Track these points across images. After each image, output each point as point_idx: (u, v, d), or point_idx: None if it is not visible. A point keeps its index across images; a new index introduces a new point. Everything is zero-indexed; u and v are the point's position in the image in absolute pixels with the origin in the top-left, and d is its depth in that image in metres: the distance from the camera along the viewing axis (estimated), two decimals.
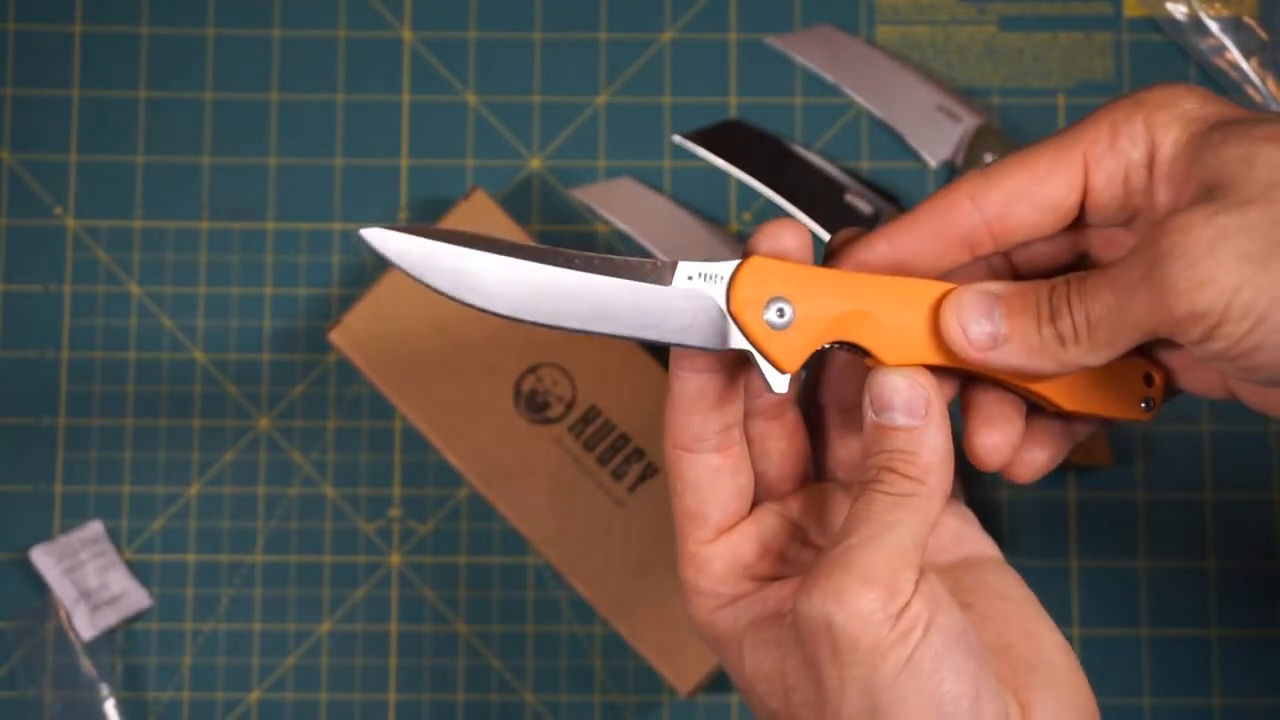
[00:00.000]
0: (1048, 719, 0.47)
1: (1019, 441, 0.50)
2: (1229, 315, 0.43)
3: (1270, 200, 0.43)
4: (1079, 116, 0.78)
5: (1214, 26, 0.77)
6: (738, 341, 0.45)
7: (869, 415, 0.47)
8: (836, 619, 0.44)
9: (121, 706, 0.74)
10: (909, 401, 0.46)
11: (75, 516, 0.75)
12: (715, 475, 0.49)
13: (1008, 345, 0.46)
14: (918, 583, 0.45)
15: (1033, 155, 0.48)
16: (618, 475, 0.72)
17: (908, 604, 0.45)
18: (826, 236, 0.76)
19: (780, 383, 0.46)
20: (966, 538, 0.51)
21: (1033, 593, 0.50)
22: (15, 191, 0.77)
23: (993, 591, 0.49)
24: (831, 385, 0.51)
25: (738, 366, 0.48)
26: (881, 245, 0.48)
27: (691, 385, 0.47)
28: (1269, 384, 0.46)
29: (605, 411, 0.73)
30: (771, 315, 0.45)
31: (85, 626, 0.73)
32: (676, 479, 0.49)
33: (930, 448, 0.46)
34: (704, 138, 0.77)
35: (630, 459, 0.72)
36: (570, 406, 0.73)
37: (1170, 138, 0.46)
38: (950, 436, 0.47)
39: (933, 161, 0.77)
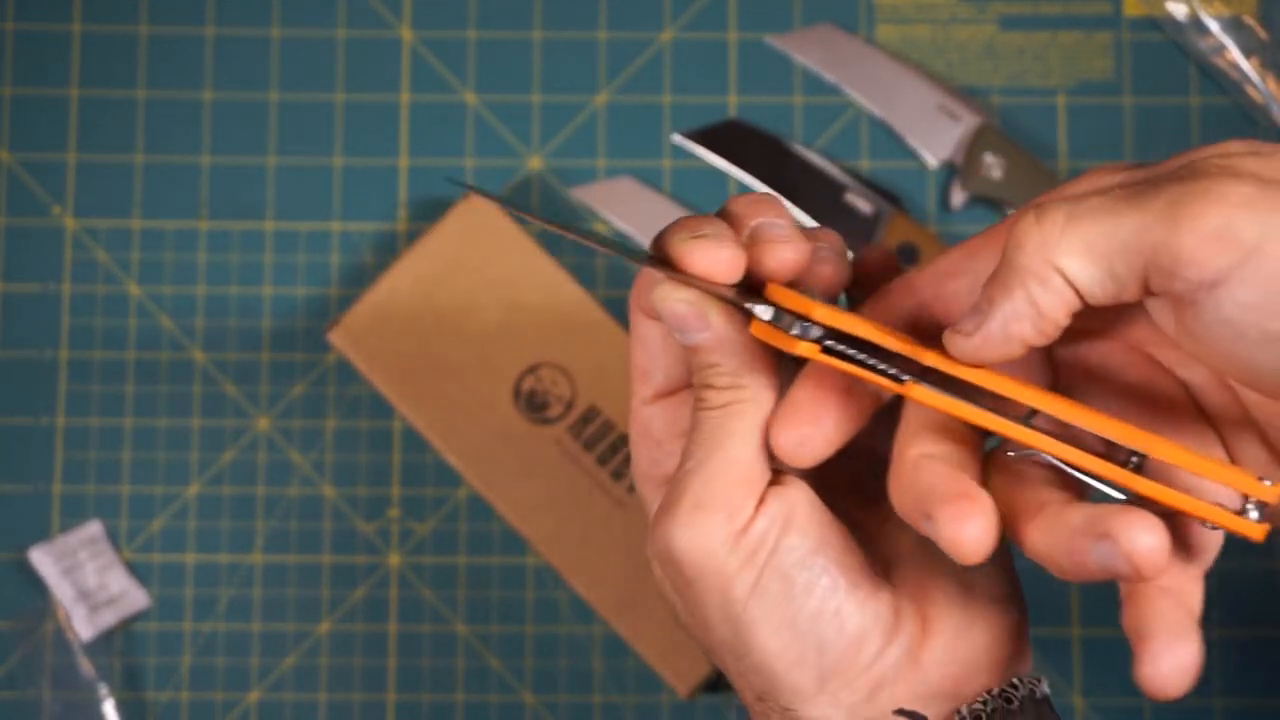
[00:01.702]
0: (948, 634, 0.46)
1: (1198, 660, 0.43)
2: (1262, 256, 0.38)
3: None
4: (1079, 116, 0.78)
5: (1214, 26, 0.77)
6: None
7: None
8: (678, 548, 0.44)
9: (120, 707, 0.74)
10: (686, 319, 0.44)
11: (74, 516, 0.75)
12: (665, 338, 0.48)
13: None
14: (763, 498, 0.44)
15: (972, 238, 0.46)
16: (617, 475, 0.72)
17: (749, 525, 0.44)
18: None
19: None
20: None
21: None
22: (14, 191, 0.77)
23: None
24: None
25: None
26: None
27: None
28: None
29: (605, 411, 0.73)
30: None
31: (84, 627, 0.73)
32: (633, 334, 0.48)
33: (731, 352, 0.45)
34: (704, 137, 0.77)
35: (630, 459, 0.72)
36: (570, 406, 0.73)
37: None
38: (747, 332, 0.44)
39: (933, 161, 0.77)
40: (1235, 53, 0.77)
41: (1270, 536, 0.44)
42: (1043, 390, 0.42)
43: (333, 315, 0.76)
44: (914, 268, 0.47)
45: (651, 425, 0.49)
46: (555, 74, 0.78)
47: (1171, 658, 0.42)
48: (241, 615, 0.75)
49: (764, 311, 0.43)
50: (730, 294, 0.44)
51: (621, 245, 0.43)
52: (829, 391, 0.44)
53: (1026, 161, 0.76)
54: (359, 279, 0.76)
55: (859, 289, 0.49)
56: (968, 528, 0.41)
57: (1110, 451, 0.42)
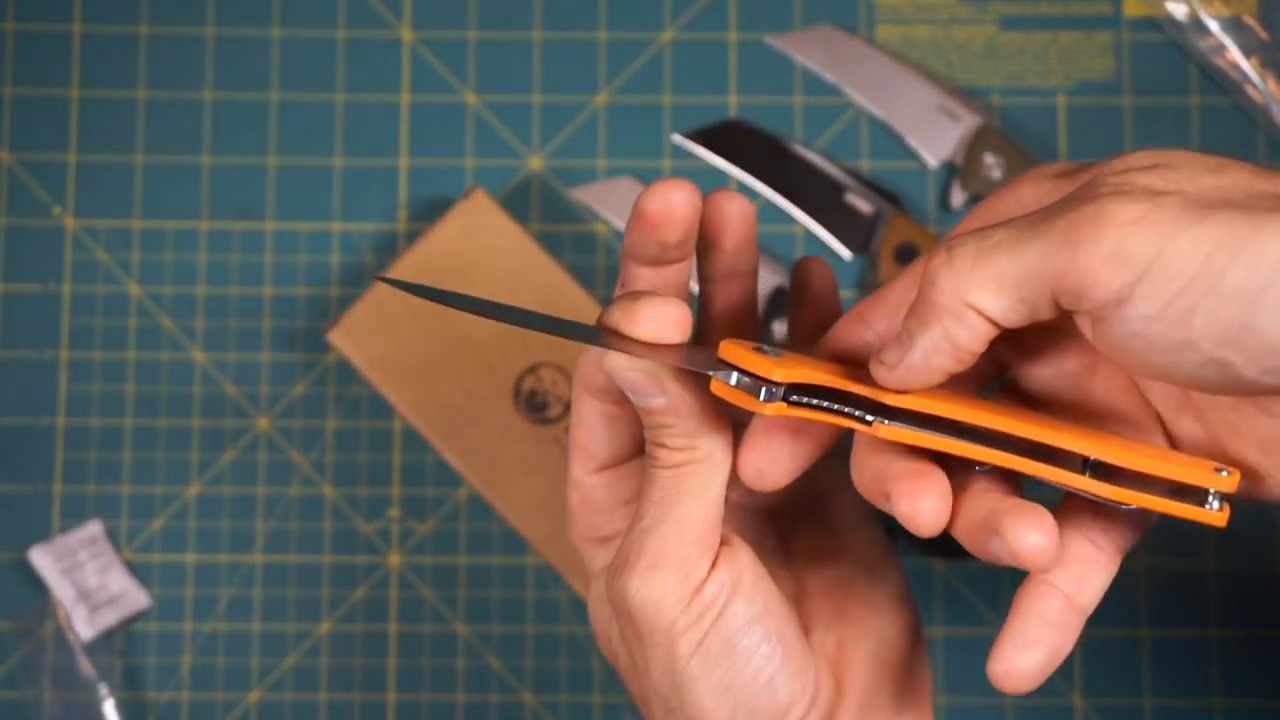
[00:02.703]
0: (858, 694, 0.49)
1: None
2: (1157, 269, 0.40)
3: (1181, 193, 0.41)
4: (1079, 116, 0.78)
5: (1214, 26, 0.77)
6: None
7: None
8: (633, 603, 0.46)
9: (121, 707, 0.74)
10: (641, 385, 0.46)
11: (74, 516, 0.75)
12: (610, 422, 0.50)
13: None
14: (716, 560, 0.46)
15: (916, 267, 0.48)
16: None
17: (701, 586, 0.46)
18: (827, 236, 0.76)
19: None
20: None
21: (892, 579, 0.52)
22: (14, 191, 0.77)
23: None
24: None
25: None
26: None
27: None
28: (1202, 378, 0.41)
29: None
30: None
31: (84, 627, 0.73)
32: (575, 414, 0.50)
33: (687, 414, 0.46)
34: (704, 137, 0.77)
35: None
36: (570, 406, 0.73)
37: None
38: (706, 395, 0.46)
39: (933, 161, 0.77)
40: (1235, 53, 0.77)
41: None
42: (994, 410, 0.45)
43: (333, 315, 0.76)
44: (866, 299, 0.49)
45: (593, 495, 0.51)
46: (555, 74, 0.78)
47: (1015, 661, 0.44)
48: (242, 615, 0.75)
49: (727, 377, 0.44)
50: (686, 363, 0.44)
51: (567, 325, 0.44)
52: (782, 428, 0.47)
53: (1026, 161, 0.76)
54: (359, 279, 0.76)
55: (795, 294, 0.52)
56: (923, 503, 0.43)
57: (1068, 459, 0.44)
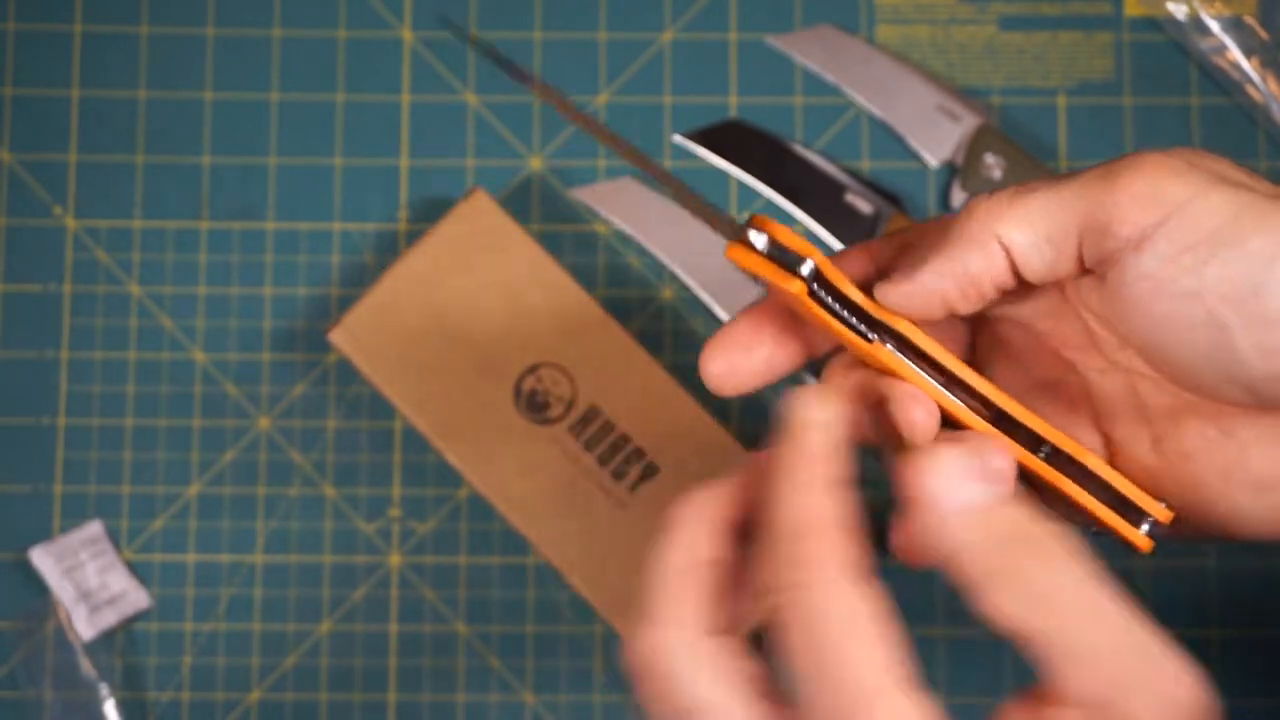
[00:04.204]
0: None
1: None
2: (1185, 213, 0.41)
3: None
4: (1079, 116, 0.78)
5: (1214, 26, 0.77)
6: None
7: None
8: None
9: (121, 707, 0.74)
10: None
11: (75, 516, 0.75)
12: None
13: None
14: None
15: (940, 219, 0.48)
16: (618, 475, 0.72)
17: None
18: (827, 236, 0.76)
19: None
20: None
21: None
22: (15, 191, 0.77)
23: None
24: None
25: None
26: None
27: None
28: (1192, 354, 0.43)
29: (605, 412, 0.73)
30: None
31: (85, 627, 0.73)
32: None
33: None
34: (704, 138, 0.77)
35: (630, 459, 0.72)
36: (570, 407, 0.73)
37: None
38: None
39: (933, 161, 0.77)
40: (1236, 53, 0.77)
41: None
42: (990, 382, 0.46)
43: (333, 315, 0.76)
44: (877, 237, 0.49)
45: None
46: (555, 74, 0.78)
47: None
48: (242, 615, 0.75)
49: (758, 240, 0.44)
50: (715, 223, 0.45)
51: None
52: (767, 327, 0.47)
53: (1026, 162, 0.76)
54: (359, 279, 0.76)
55: None
56: (917, 410, 0.45)
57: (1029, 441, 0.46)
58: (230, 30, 0.78)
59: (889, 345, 0.45)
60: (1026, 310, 0.48)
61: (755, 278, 0.45)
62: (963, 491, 0.42)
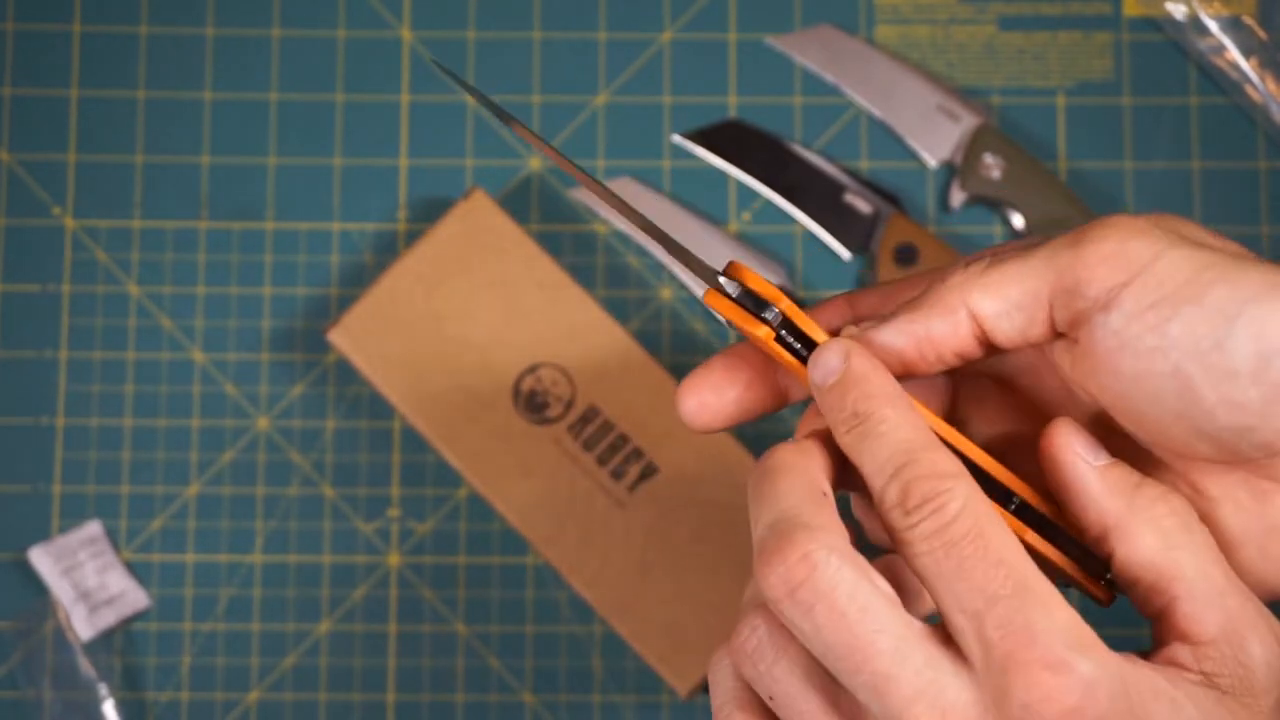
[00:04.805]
0: None
1: None
2: (1149, 272, 0.42)
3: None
4: (1079, 116, 0.78)
5: (1213, 26, 0.77)
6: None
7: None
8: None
9: (120, 707, 0.74)
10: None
11: (74, 516, 0.75)
12: None
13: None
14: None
15: (917, 277, 0.49)
16: (617, 475, 0.72)
17: None
18: (827, 237, 0.76)
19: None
20: None
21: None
22: (14, 191, 0.77)
23: None
24: None
25: None
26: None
27: None
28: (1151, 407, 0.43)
29: (605, 411, 0.73)
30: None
31: (84, 627, 0.73)
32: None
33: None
34: (704, 138, 0.77)
35: (630, 459, 0.72)
36: (569, 406, 0.73)
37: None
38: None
39: (932, 161, 0.77)
40: (1235, 53, 0.77)
41: None
42: (961, 434, 0.46)
43: (333, 315, 0.76)
44: (860, 288, 0.50)
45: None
46: (555, 74, 0.78)
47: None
48: (241, 615, 0.75)
49: (730, 287, 0.45)
50: (693, 265, 0.46)
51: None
52: (742, 370, 0.48)
53: (1026, 162, 0.76)
54: (359, 279, 0.76)
55: None
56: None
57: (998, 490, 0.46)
58: (230, 30, 0.78)
59: None
60: (1008, 366, 0.49)
61: (728, 323, 0.45)
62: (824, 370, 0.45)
